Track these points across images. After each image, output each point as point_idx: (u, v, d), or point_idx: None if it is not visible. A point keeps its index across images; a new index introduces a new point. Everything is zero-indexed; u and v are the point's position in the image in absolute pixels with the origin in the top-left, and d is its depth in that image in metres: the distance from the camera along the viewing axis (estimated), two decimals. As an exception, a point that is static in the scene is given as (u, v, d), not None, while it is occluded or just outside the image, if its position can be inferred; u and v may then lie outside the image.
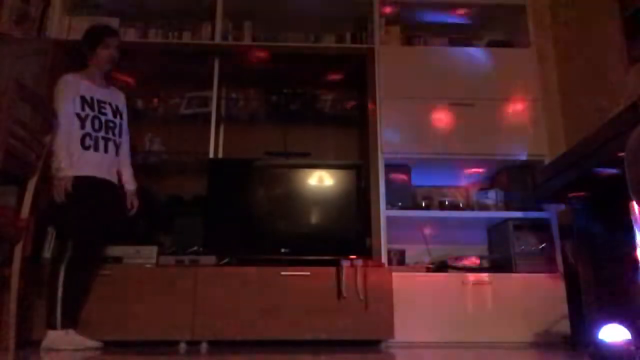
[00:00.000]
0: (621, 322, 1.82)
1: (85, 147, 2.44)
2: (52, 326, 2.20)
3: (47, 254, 2.60)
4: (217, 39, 3.14)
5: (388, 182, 2.93)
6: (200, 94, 3.16)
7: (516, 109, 3.04)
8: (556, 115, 3.27)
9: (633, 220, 1.89)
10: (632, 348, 1.74)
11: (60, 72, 2.56)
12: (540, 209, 2.89)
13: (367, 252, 2.77)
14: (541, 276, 2.75)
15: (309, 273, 2.58)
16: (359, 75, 3.13)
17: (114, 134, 2.56)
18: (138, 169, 3.16)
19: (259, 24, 3.27)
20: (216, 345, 2.15)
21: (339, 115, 3.27)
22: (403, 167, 3.05)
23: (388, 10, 3.25)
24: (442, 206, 3.10)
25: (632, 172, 1.48)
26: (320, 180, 2.92)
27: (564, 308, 2.68)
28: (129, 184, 2.66)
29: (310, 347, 2.45)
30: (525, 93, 3.07)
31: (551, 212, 2.88)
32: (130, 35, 3.22)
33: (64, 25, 3.11)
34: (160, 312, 2.49)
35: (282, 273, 2.47)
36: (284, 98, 3.22)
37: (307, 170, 2.93)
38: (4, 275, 2.15)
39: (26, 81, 2.43)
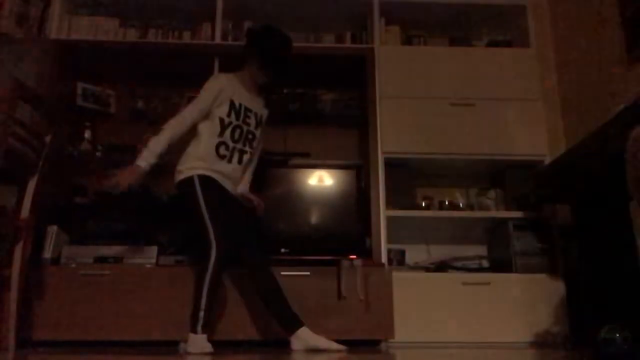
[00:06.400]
0: (621, 322, 1.82)
1: (220, 157, 2.37)
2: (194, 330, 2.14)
3: (47, 254, 2.60)
4: (217, 39, 3.14)
5: (388, 182, 2.93)
6: (200, 94, 3.16)
7: (516, 109, 3.03)
8: (556, 115, 3.27)
9: (632, 220, 1.89)
10: (632, 348, 1.74)
11: (60, 72, 2.54)
12: (540, 209, 2.89)
13: (367, 252, 2.76)
14: (541, 276, 2.75)
15: (309, 273, 2.58)
16: (359, 75, 3.12)
17: (251, 147, 2.48)
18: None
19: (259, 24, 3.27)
20: (216, 345, 2.15)
21: (339, 115, 3.26)
22: (403, 167, 3.05)
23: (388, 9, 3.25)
24: (442, 206, 3.10)
25: (632, 172, 1.48)
26: (320, 180, 2.92)
27: (564, 308, 2.68)
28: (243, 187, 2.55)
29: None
30: (525, 93, 3.06)
31: (551, 212, 2.88)
32: (130, 35, 3.21)
33: (64, 25, 3.11)
34: (160, 312, 2.49)
35: (282, 273, 2.47)
36: (283, 98, 3.21)
37: (307, 171, 2.93)
38: (4, 275, 2.14)
39: (26, 81, 2.43)
